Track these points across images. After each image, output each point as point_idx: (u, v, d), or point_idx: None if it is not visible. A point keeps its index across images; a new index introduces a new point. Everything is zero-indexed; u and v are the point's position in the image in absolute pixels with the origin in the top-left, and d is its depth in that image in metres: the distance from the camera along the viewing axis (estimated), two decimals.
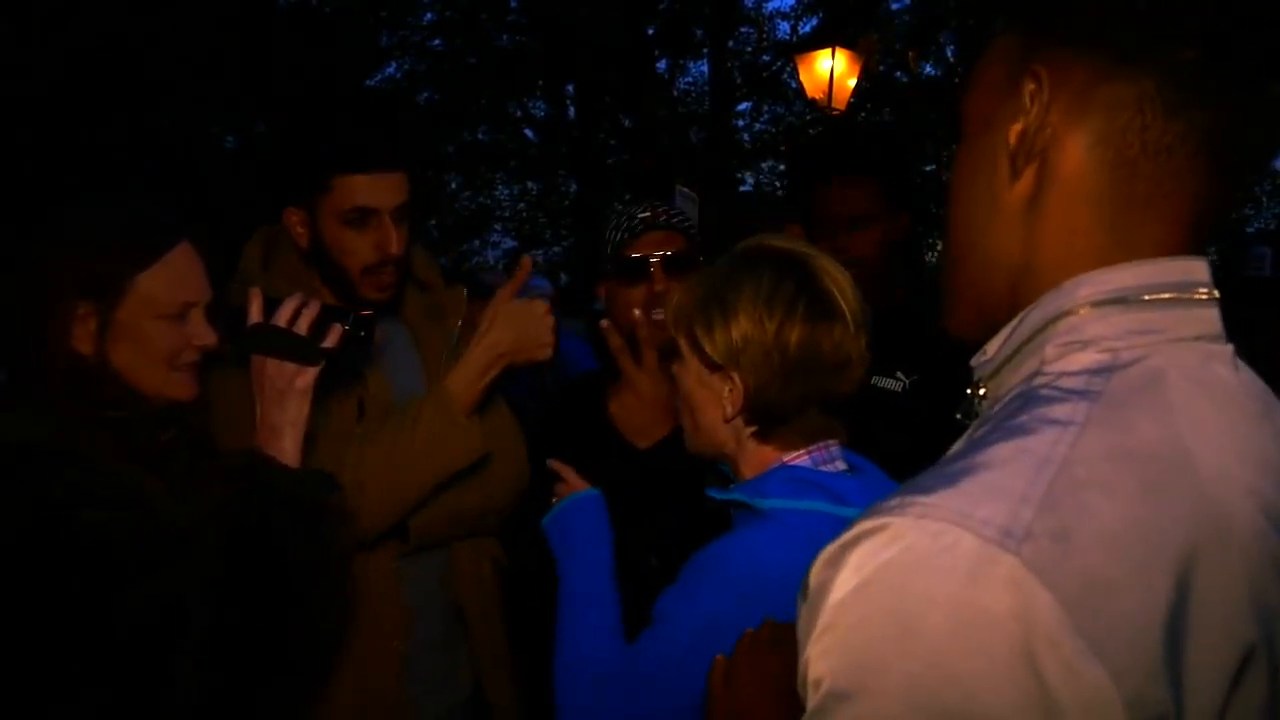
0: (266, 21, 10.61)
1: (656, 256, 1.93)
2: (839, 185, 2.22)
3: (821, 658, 0.65)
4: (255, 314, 1.54)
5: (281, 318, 1.54)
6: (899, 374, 2.15)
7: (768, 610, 1.28)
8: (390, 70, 14.24)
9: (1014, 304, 0.80)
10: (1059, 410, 0.69)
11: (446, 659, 1.93)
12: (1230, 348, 0.77)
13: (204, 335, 1.46)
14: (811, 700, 0.66)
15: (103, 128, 8.68)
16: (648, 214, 1.96)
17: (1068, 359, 0.75)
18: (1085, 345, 0.75)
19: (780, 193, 15.38)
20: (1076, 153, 0.76)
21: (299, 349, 1.54)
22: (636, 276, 1.94)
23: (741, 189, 15.32)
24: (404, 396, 1.87)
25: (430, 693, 1.89)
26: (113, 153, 8.46)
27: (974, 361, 0.84)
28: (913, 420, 2.01)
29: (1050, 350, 0.76)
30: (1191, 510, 0.65)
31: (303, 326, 1.54)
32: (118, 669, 1.26)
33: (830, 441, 1.41)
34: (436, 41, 14.52)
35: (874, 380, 2.13)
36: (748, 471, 1.42)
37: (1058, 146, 0.77)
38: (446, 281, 2.05)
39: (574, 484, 1.63)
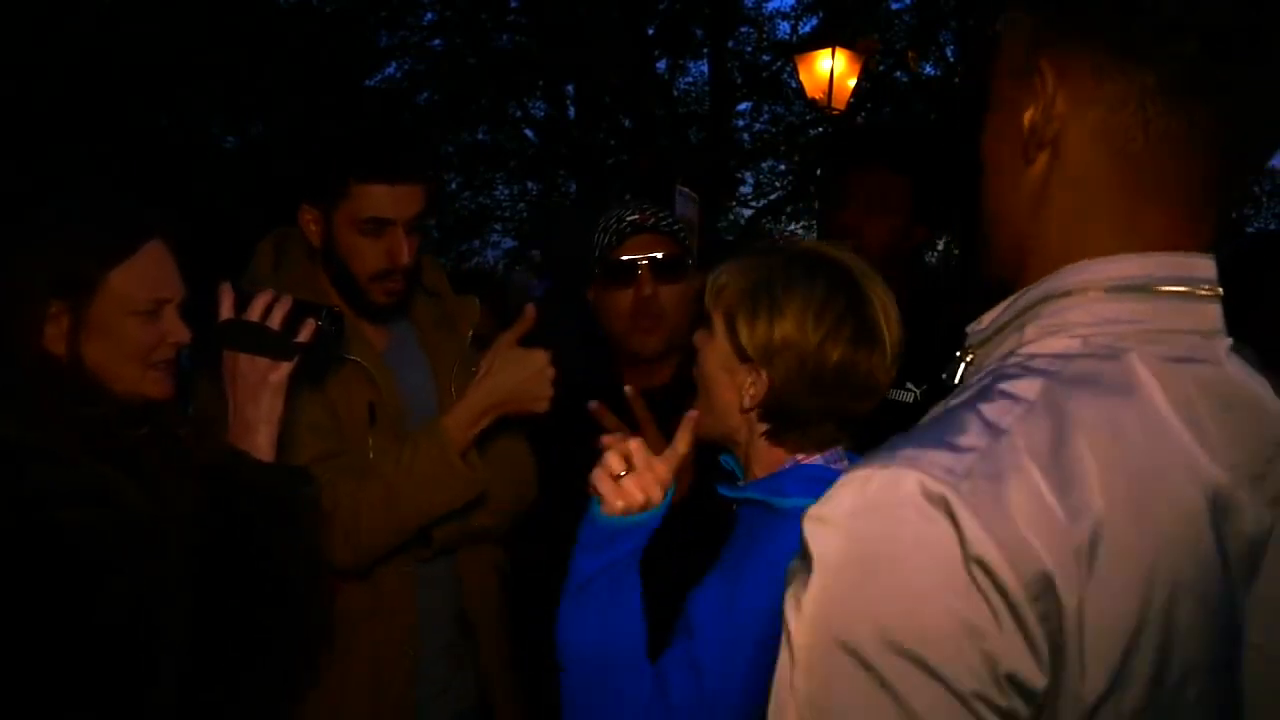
0: (267, 21, 10.60)
1: (644, 260, 1.91)
2: (867, 171, 2.25)
3: (804, 598, 0.72)
4: (226, 309, 1.53)
5: (253, 312, 1.53)
6: (909, 385, 2.14)
7: None
8: (390, 70, 14.24)
9: (1021, 280, 0.84)
10: (1017, 386, 0.75)
11: (452, 665, 1.94)
12: (1217, 344, 0.79)
13: (178, 332, 1.45)
14: (793, 639, 0.73)
15: (102, 127, 8.67)
16: (635, 217, 1.94)
17: (1043, 341, 0.79)
18: (1059, 330, 0.79)
19: (781, 193, 15.38)
20: (1082, 144, 0.79)
21: (272, 344, 1.52)
22: (624, 280, 1.92)
23: (741, 189, 15.33)
24: (415, 402, 1.89)
25: (437, 698, 1.91)
26: (111, 152, 8.45)
27: (969, 328, 0.88)
28: None
29: (1030, 331, 0.80)
30: (1108, 481, 0.70)
31: (275, 321, 1.53)
32: (95, 669, 1.26)
33: (839, 446, 1.42)
34: (436, 41, 14.51)
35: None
36: (758, 469, 1.42)
37: (1064, 137, 0.79)
38: (454, 287, 2.06)
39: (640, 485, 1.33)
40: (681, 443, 1.36)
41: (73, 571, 1.26)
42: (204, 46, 9.25)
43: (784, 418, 1.37)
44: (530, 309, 1.83)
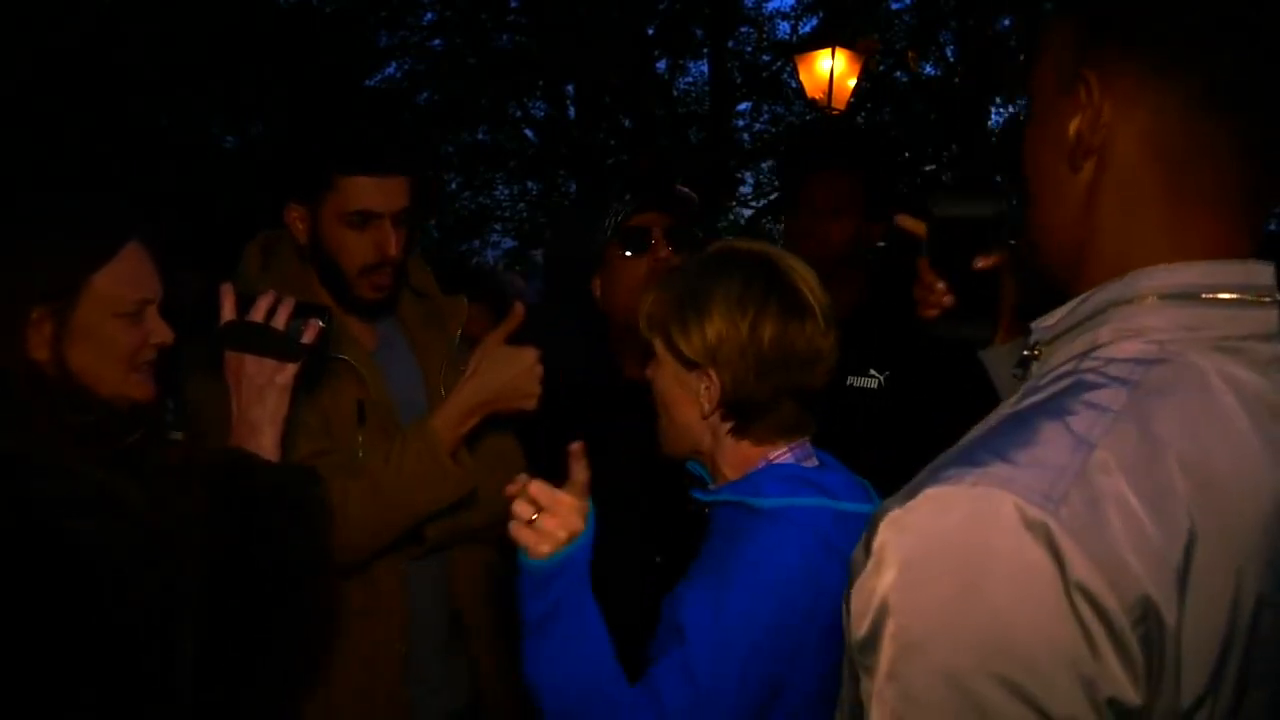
0: (267, 21, 10.59)
1: (658, 226, 1.98)
2: (821, 177, 2.34)
3: (893, 612, 0.72)
4: (229, 311, 1.53)
5: (257, 313, 1.52)
6: (873, 371, 2.25)
7: (802, 605, 1.29)
8: (390, 70, 14.23)
9: (1079, 281, 0.86)
10: (1101, 396, 0.76)
11: (445, 663, 1.94)
12: (1277, 349, 0.80)
13: (161, 333, 1.44)
14: (883, 651, 0.73)
15: (101, 127, 8.67)
16: (647, 194, 2.02)
17: (1118, 345, 0.80)
18: (1136, 334, 0.80)
19: (781, 193, 15.37)
20: (1130, 150, 0.81)
21: (277, 345, 1.52)
22: (638, 246, 1.98)
23: (741, 189, 15.33)
24: (404, 401, 1.88)
25: (429, 695, 1.90)
26: (111, 152, 8.45)
27: (1035, 324, 0.90)
28: (894, 413, 2.17)
29: (1104, 333, 0.82)
30: (1196, 497, 0.72)
31: (279, 322, 1.52)
32: (109, 678, 1.25)
33: (804, 438, 1.45)
34: (436, 41, 14.50)
35: (850, 381, 2.24)
36: (729, 470, 1.44)
37: (1112, 144, 0.82)
38: (445, 285, 2.05)
39: (567, 513, 1.34)
40: (579, 471, 1.38)
41: (84, 581, 1.24)
42: (204, 46, 9.25)
43: (744, 410, 1.40)
44: (519, 307, 1.83)
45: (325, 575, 1.63)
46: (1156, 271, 0.80)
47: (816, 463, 1.45)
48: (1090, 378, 0.78)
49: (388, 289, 1.86)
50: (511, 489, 1.35)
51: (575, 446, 1.39)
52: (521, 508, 1.33)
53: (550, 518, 1.32)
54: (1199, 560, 0.70)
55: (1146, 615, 0.68)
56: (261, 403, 1.52)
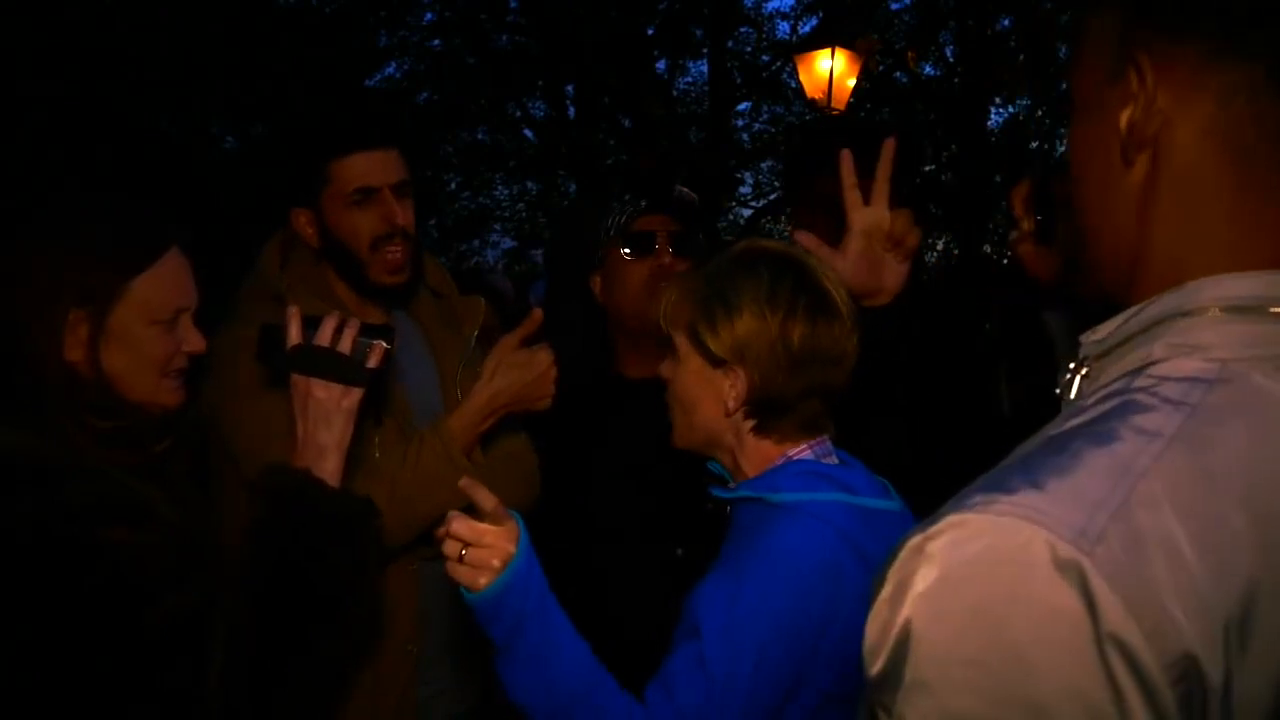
0: (266, 21, 10.59)
1: (663, 231, 2.00)
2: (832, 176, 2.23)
3: (910, 647, 0.66)
4: (295, 334, 1.52)
5: (323, 337, 1.51)
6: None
7: (819, 599, 1.29)
8: (390, 70, 14.25)
9: (1132, 291, 0.78)
10: (1151, 420, 0.68)
11: (456, 665, 1.93)
12: None
13: (194, 341, 1.43)
14: (892, 687, 0.67)
15: (101, 127, 8.66)
16: (649, 200, 2.03)
17: (1174, 362, 0.73)
18: (1193, 351, 0.72)
19: (780, 193, 15.39)
20: (1189, 141, 0.73)
21: (345, 370, 1.52)
22: (642, 250, 1.99)
23: (741, 189, 15.34)
24: (419, 402, 1.88)
25: (439, 696, 1.90)
26: (111, 152, 8.45)
27: (1083, 338, 0.81)
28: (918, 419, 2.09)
29: (1159, 349, 0.74)
30: (1257, 538, 0.64)
31: (345, 346, 1.52)
32: (147, 687, 1.23)
33: (825, 436, 1.45)
34: (436, 41, 14.52)
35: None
36: (749, 468, 1.44)
37: (1169, 135, 0.74)
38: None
39: (489, 536, 1.32)
40: (484, 500, 1.34)
41: (126, 591, 1.22)
42: (204, 46, 9.26)
43: (770, 407, 1.40)
44: (537, 313, 1.83)
45: (367, 604, 1.61)
46: (1218, 281, 0.72)
47: (836, 460, 1.45)
48: (1141, 399, 0.70)
49: (403, 268, 1.86)
50: (439, 531, 1.34)
51: (464, 482, 1.36)
52: (449, 547, 1.32)
53: (477, 550, 1.31)
54: (1260, 611, 0.62)
55: (1188, 673, 0.61)
56: (329, 427, 1.50)
